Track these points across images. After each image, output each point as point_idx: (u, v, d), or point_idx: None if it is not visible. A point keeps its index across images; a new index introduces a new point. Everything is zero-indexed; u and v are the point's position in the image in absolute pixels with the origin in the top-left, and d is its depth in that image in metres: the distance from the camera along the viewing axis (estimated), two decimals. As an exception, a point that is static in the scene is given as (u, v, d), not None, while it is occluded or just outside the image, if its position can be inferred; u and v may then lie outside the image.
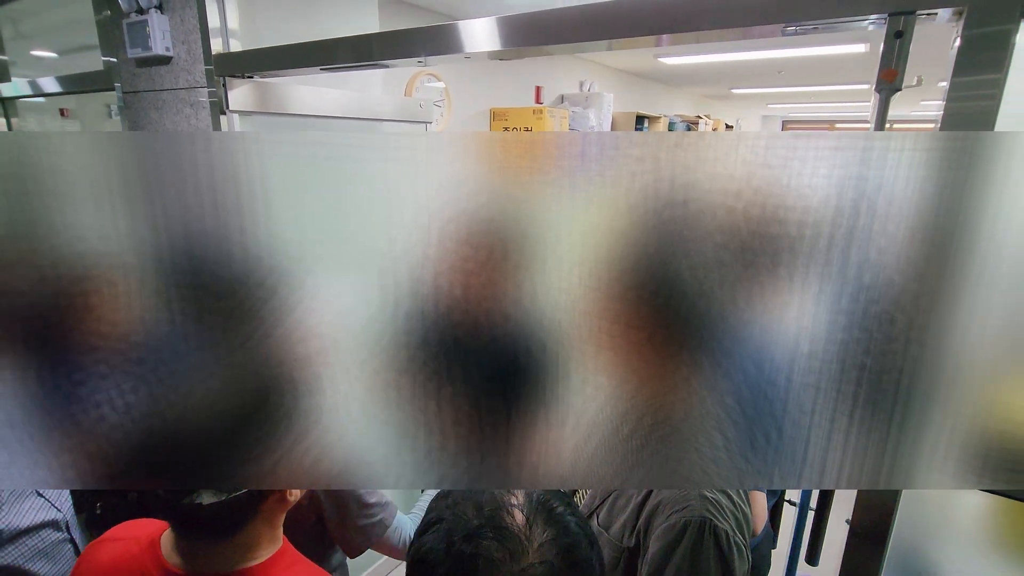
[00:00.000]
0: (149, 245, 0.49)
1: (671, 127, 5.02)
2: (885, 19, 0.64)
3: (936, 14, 0.63)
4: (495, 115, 3.13)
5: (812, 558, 1.19)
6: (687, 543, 0.71)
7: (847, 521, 0.82)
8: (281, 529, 0.66)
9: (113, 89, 1.54)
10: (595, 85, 4.11)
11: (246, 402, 0.50)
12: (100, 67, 1.57)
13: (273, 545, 0.64)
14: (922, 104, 6.45)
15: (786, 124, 10.40)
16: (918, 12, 0.63)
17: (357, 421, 0.52)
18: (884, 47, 0.63)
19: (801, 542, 1.08)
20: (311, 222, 0.49)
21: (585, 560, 0.51)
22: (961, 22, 0.61)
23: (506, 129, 3.09)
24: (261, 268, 0.49)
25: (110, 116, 2.44)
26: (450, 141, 0.47)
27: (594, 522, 0.83)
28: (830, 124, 10.06)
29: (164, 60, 1.36)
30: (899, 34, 0.62)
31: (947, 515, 0.77)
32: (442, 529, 0.53)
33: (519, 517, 0.52)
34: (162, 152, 0.48)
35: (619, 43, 0.86)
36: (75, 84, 1.77)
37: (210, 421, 0.51)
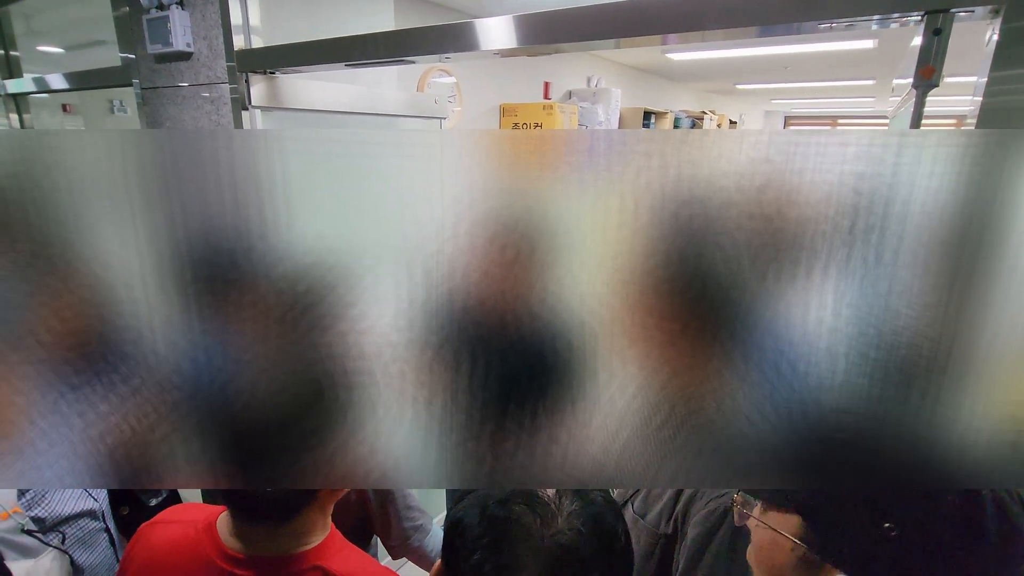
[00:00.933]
0: (181, 242, 0.49)
1: (676, 123, 5.02)
2: (923, 16, 0.64)
3: (974, 11, 0.64)
4: (505, 111, 3.13)
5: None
6: (727, 528, 0.72)
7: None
8: (330, 516, 0.69)
9: (131, 85, 1.54)
10: (602, 80, 4.10)
11: (300, 401, 0.51)
12: (110, 63, 1.57)
13: (324, 531, 0.67)
14: (930, 100, 6.42)
15: (788, 120, 10.39)
16: (955, 9, 0.64)
17: (399, 421, 0.53)
18: (922, 44, 0.64)
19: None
20: (351, 222, 0.49)
21: (611, 530, 0.53)
22: (999, 18, 0.62)
23: (515, 125, 3.09)
24: (309, 271, 0.49)
25: (112, 112, 2.44)
26: (473, 140, 0.47)
27: (628, 511, 0.84)
28: (833, 120, 10.05)
29: (184, 56, 1.36)
30: (937, 31, 0.63)
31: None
32: (477, 495, 0.55)
33: (549, 489, 0.55)
34: (185, 150, 0.48)
35: (631, 41, 0.88)
36: (90, 80, 1.78)
37: (262, 420, 0.52)
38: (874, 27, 0.69)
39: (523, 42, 0.96)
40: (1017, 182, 0.45)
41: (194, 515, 0.67)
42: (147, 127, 1.55)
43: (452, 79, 2.69)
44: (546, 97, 3.53)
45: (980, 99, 0.65)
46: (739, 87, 6.45)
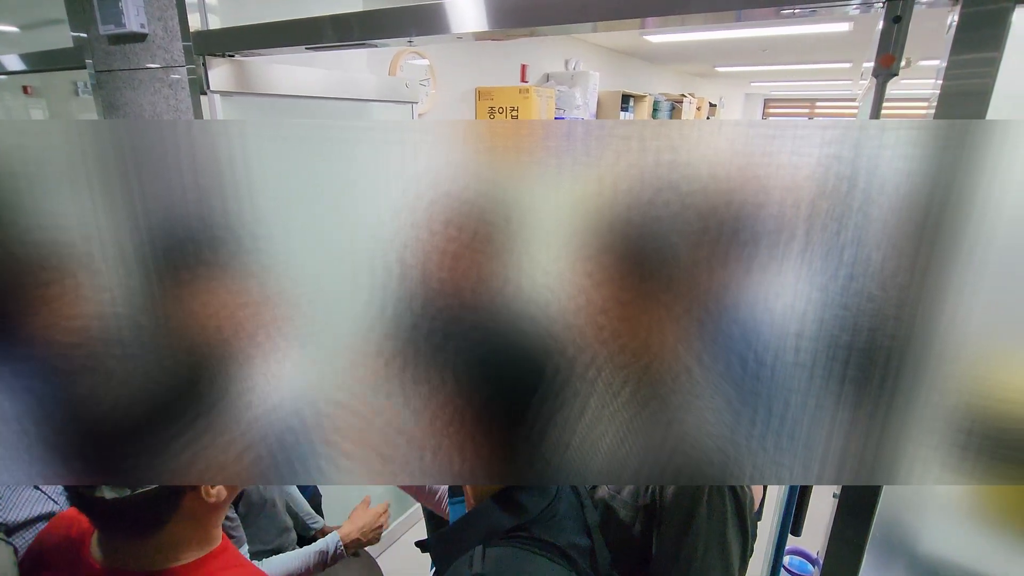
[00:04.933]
0: (123, 229, 0.47)
1: (656, 106, 5.00)
2: (884, 3, 0.64)
3: (934, -3, 0.63)
4: (481, 94, 3.08)
5: (796, 529, 1.23)
6: (707, 488, 0.74)
7: (834, 495, 0.85)
8: (218, 529, 0.64)
9: (84, 67, 1.48)
10: (580, 63, 4.06)
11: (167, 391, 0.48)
12: (69, 43, 1.50)
13: (204, 547, 0.61)
14: (902, 83, 6.50)
15: (768, 102, 10.42)
16: (916, -5, 0.63)
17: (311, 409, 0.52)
18: (882, 32, 0.64)
19: (791, 513, 1.12)
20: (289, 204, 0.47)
21: None
22: (959, 4, 0.62)
23: (491, 109, 3.04)
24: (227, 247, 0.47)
25: (77, 94, 2.34)
26: (438, 131, 0.46)
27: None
28: (811, 102, 10.11)
29: (139, 37, 1.30)
30: (897, 19, 0.62)
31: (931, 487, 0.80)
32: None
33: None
34: (144, 139, 0.46)
35: (608, 25, 0.86)
36: (42, 62, 1.70)
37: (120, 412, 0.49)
38: (852, 11, 0.68)
39: (496, 25, 0.92)
40: (968, 171, 0.45)
41: (81, 520, 0.63)
42: (104, 112, 1.48)
43: (425, 62, 2.63)
44: (523, 80, 3.48)
45: (940, 83, 0.65)
46: (719, 70, 6.44)
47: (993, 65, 0.61)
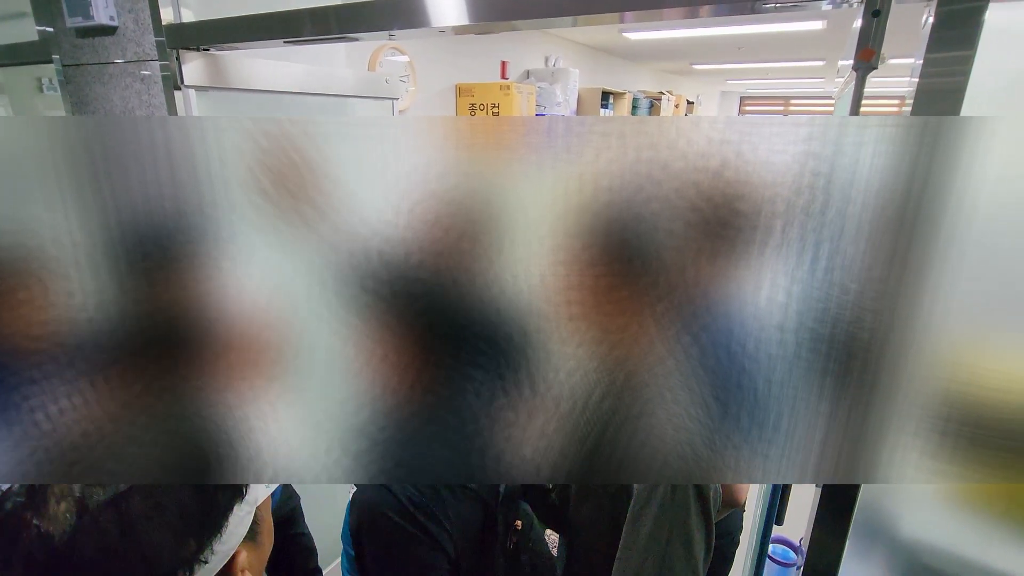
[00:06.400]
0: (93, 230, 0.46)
1: (635, 103, 5.04)
2: (863, -3, 0.65)
3: (911, -8, 0.65)
4: (461, 91, 3.06)
5: (779, 518, 1.25)
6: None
7: (817, 485, 0.86)
8: None
9: (51, 62, 1.42)
10: (560, 60, 4.07)
11: None
12: (33, 36, 1.44)
13: None
14: (878, 80, 6.67)
15: (744, 100, 10.59)
16: (894, -10, 0.64)
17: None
18: (862, 26, 0.64)
19: (776, 504, 1.14)
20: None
21: None
22: (934, 2, 0.63)
23: (472, 105, 3.03)
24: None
25: (42, 91, 2.26)
26: (418, 128, 0.45)
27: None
28: (786, 100, 10.30)
29: (109, 30, 1.26)
30: (876, 13, 0.63)
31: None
32: None
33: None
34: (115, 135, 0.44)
35: (588, 19, 0.86)
36: (4, 56, 1.63)
37: None
38: (826, 7, 0.69)
39: (475, 19, 0.91)
40: (942, 167, 0.46)
41: None
42: (73, 108, 1.44)
43: (405, 58, 2.60)
44: (503, 77, 3.47)
45: (917, 80, 0.66)
46: (696, 67, 6.52)
47: (967, 63, 0.63)
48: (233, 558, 0.47)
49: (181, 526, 0.43)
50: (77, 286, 0.46)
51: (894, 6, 0.67)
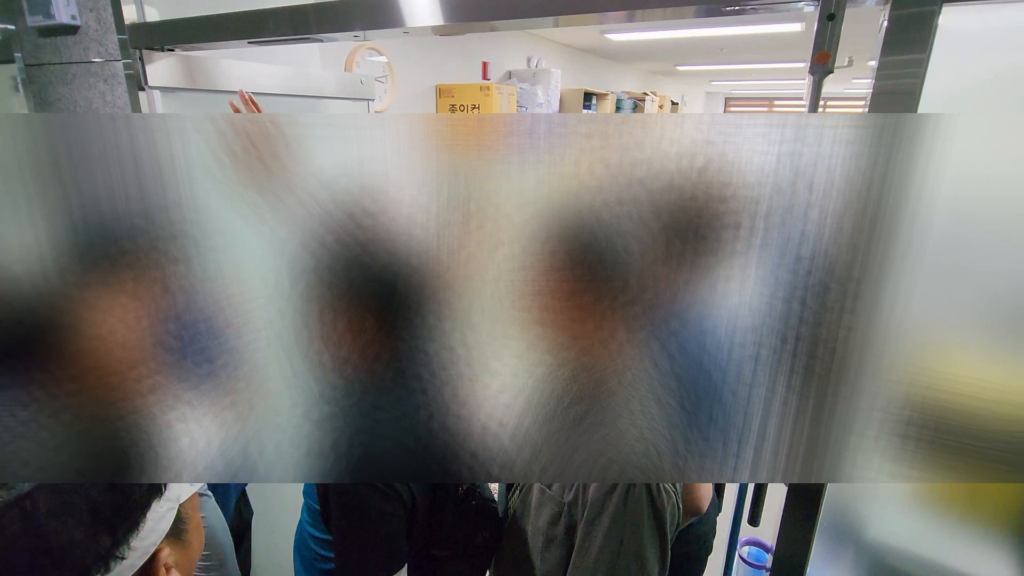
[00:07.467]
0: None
1: (618, 104, 5.05)
2: (818, 1, 0.65)
3: (865, -3, 0.65)
4: (441, 92, 3.05)
5: (754, 519, 1.26)
6: (621, 487, 0.77)
7: (786, 484, 0.87)
8: None
9: (13, 61, 1.39)
10: (542, 61, 4.06)
11: None
12: None
13: None
14: (854, 82, 6.76)
15: (729, 100, 10.68)
16: (849, -6, 0.65)
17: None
18: (817, 29, 0.65)
19: (744, 506, 1.14)
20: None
21: None
22: (888, 5, 0.63)
23: (452, 106, 3.02)
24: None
25: (16, 89, 2.20)
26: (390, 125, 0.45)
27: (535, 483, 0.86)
28: (770, 101, 10.40)
29: (71, 29, 1.23)
30: (831, 16, 0.64)
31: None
32: None
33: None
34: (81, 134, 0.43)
35: (569, 19, 0.84)
36: (-33, 55, 1.59)
37: None
38: (774, 11, 0.69)
39: (451, 19, 0.89)
40: (901, 163, 0.47)
41: None
42: (36, 109, 1.40)
43: (383, 58, 2.58)
44: (484, 78, 3.46)
45: (874, 82, 0.66)
46: (680, 68, 6.56)
47: (921, 65, 0.63)
48: (155, 554, 0.47)
49: (93, 523, 0.43)
50: None
51: (855, 10, 0.68)
